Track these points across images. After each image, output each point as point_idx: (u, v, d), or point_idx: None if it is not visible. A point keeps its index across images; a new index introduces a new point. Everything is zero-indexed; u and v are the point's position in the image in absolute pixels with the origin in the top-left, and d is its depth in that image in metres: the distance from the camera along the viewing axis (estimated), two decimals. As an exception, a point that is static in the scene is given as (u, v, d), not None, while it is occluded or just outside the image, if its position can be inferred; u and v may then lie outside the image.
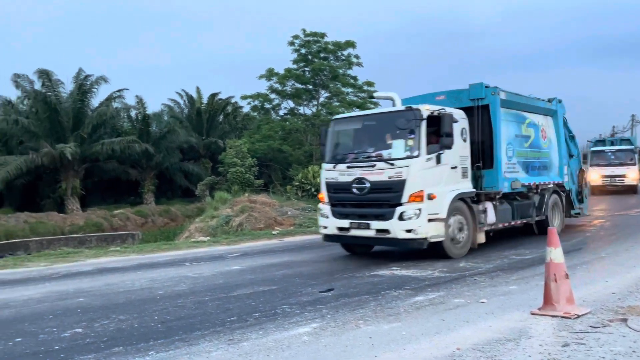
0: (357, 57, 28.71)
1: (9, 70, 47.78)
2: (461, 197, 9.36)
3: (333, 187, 9.46)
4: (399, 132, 8.92)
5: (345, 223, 9.19)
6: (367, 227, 8.90)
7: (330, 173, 9.53)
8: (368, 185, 8.88)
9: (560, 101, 12.97)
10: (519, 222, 11.24)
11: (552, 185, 12.29)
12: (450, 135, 8.92)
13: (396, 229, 8.58)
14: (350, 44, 28.30)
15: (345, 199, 9.31)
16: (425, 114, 8.79)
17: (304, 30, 28.04)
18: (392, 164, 8.72)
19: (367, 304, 6.10)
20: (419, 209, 8.53)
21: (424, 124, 8.73)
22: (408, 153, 8.76)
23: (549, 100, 12.66)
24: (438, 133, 8.92)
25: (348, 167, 9.23)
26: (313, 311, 5.85)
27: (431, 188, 8.71)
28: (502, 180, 10.43)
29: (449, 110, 9.25)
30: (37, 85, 28.16)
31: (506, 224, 10.74)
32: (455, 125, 9.19)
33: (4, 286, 8.03)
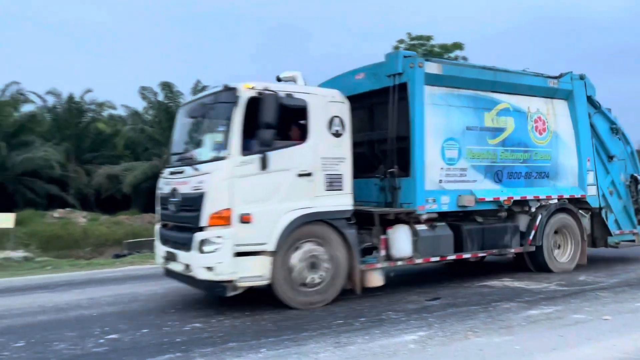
0: (464, 59, 27.89)
1: (137, 83, 52.31)
2: (319, 219, 6.38)
3: (160, 201, 7.07)
4: (216, 122, 6.49)
5: (163, 251, 6.85)
6: (175, 259, 6.42)
7: (161, 181, 7.13)
8: (179, 199, 6.44)
9: (582, 77, 9.18)
10: (480, 254, 8.13)
11: (555, 201, 8.69)
12: (270, 126, 5.95)
13: (195, 264, 5.99)
14: (458, 46, 27.62)
15: (166, 218, 6.99)
16: (244, 95, 6.06)
17: (409, 34, 27.84)
18: (196, 169, 6.22)
19: (476, 315, 5.91)
20: (220, 237, 5.83)
21: (238, 110, 6.02)
22: (215, 154, 6.22)
23: (556, 78, 8.89)
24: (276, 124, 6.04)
25: (170, 173, 6.84)
26: (419, 319, 5.78)
27: (249, 205, 5.95)
28: (424, 194, 7.29)
29: (276, 87, 6.28)
30: (160, 97, 30.60)
31: (445, 257, 7.58)
32: (314, 111, 6.45)
33: (134, 282, 8.85)
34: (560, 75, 9.00)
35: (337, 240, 6.49)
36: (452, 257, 7.68)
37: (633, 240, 9.78)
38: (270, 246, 6.04)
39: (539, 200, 8.52)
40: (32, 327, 5.90)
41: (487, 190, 7.95)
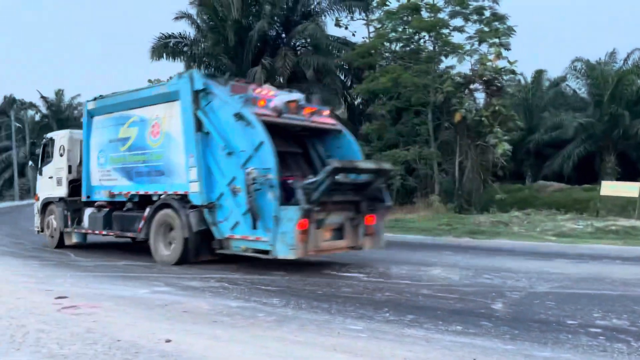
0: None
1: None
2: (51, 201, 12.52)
3: None
4: None
5: None
6: None
7: None
8: None
9: (190, 74, 9.33)
10: (117, 233, 10.85)
11: (163, 196, 9.65)
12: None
13: None
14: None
15: None
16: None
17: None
18: None
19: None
20: None
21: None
22: None
23: (166, 82, 10.64)
24: None
25: None
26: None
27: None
28: (89, 189, 11.46)
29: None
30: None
31: (101, 233, 11.15)
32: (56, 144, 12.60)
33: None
34: (170, 78, 10.77)
35: (58, 212, 12.30)
36: (108, 233, 11.01)
37: (267, 252, 8.22)
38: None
39: (159, 195, 9.84)
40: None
41: (124, 186, 10.64)
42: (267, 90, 9.39)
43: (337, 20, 25.98)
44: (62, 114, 53.45)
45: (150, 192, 10.04)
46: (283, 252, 7.97)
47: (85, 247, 12.22)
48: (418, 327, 5.19)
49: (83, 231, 11.79)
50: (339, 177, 8.24)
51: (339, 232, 8.86)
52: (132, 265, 9.58)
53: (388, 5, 22.60)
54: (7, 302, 6.13)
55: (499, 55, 19.81)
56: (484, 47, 20.78)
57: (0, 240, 14.58)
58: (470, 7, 20.77)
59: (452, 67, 22.39)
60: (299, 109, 9.39)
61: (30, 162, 21.76)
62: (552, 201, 19.79)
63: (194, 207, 9.10)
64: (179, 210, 9.19)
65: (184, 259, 9.15)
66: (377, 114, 21.82)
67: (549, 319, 5.55)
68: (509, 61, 19.90)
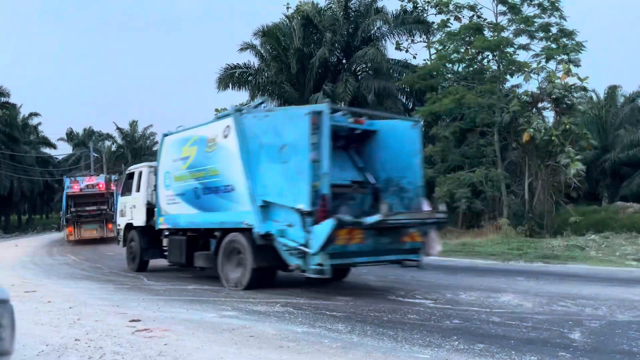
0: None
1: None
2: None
3: None
4: None
5: None
6: None
7: None
8: None
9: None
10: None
11: None
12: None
13: None
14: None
15: None
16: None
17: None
18: None
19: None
20: None
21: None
22: None
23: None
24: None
25: None
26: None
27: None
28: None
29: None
30: None
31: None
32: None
33: None
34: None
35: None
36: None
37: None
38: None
39: None
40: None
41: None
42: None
43: (397, 43, 26.10)
44: (136, 144, 56.45)
45: None
46: None
47: (156, 271, 12.69)
48: (489, 357, 4.98)
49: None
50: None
51: None
52: (201, 290, 9.82)
53: (449, 27, 22.46)
54: (86, 324, 6.45)
55: (568, 72, 19.11)
56: (551, 64, 20.18)
57: (80, 265, 15.41)
58: (536, 24, 20.27)
59: (518, 85, 21.87)
60: None
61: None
62: (632, 223, 18.61)
63: None
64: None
65: None
66: (440, 135, 21.53)
67: (632, 349, 5.17)
68: (579, 78, 19.15)
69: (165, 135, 11.57)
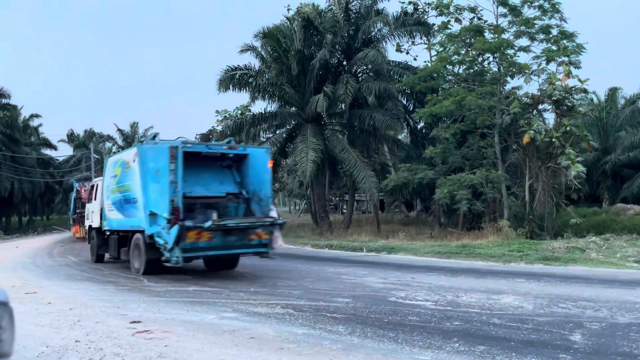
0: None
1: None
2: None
3: None
4: None
5: None
6: None
7: None
8: None
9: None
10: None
11: None
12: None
13: None
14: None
15: None
16: None
17: None
18: None
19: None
20: None
21: None
22: None
23: None
24: None
25: None
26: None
27: None
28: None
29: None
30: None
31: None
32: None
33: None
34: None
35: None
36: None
37: None
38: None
39: None
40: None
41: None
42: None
43: (398, 45, 26.09)
44: (136, 145, 56.20)
45: None
46: None
47: (156, 272, 12.66)
48: (490, 358, 4.98)
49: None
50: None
51: None
52: (201, 291, 9.83)
53: (450, 29, 22.45)
54: (86, 326, 6.45)
55: (568, 74, 19.08)
56: (552, 66, 20.16)
57: (80, 266, 15.41)
58: (536, 26, 20.25)
59: (518, 87, 21.84)
60: None
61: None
62: (633, 225, 18.60)
63: None
64: None
65: None
66: (440, 137, 21.51)
67: (633, 351, 5.17)
68: (579, 80, 19.12)
69: (109, 156, 15.42)
